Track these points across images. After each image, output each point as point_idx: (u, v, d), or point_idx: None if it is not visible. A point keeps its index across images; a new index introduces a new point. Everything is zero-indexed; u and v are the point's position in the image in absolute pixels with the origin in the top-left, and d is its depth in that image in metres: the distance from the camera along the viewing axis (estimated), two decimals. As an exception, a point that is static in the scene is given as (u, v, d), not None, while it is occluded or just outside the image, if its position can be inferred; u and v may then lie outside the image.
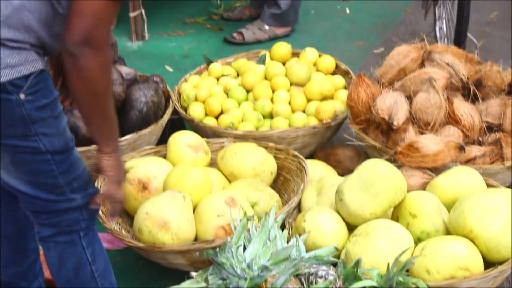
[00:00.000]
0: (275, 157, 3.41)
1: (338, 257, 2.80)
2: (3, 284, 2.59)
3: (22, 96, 2.05)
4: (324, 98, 3.93)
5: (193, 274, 2.48)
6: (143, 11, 5.14)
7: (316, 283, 2.44)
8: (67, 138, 2.22)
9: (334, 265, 2.62)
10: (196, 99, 3.98)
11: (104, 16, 2.05)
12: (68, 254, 2.35)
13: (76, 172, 2.26)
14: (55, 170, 2.20)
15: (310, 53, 4.25)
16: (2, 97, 2.04)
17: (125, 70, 3.77)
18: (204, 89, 3.97)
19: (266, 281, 2.40)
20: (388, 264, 2.55)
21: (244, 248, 2.53)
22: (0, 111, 2.06)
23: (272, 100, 3.91)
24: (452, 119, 3.36)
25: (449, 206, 2.93)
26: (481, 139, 3.39)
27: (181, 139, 3.38)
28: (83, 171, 2.29)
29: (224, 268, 2.44)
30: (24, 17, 2.05)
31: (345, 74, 4.17)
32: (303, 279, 2.48)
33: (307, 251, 2.69)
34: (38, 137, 2.12)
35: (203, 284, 2.44)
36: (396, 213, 2.94)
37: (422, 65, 3.57)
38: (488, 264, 2.73)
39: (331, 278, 2.45)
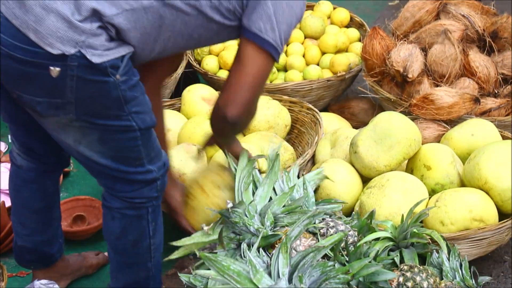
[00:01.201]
0: (289, 110, 3.40)
1: (352, 209, 2.81)
2: (27, 250, 2.63)
3: (118, 77, 2.05)
4: (338, 51, 3.91)
5: (205, 228, 2.47)
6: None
7: (330, 235, 2.44)
8: (153, 114, 2.23)
9: (348, 216, 2.63)
10: (210, 52, 3.97)
11: (263, 82, 2.22)
12: (132, 227, 2.35)
13: (154, 143, 2.27)
14: (140, 144, 2.20)
15: (324, 5, 4.22)
16: (100, 80, 2.03)
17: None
18: (218, 42, 3.96)
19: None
20: (402, 216, 2.55)
21: (253, 193, 2.51)
22: (97, 93, 2.05)
23: (286, 53, 3.89)
24: (467, 71, 3.34)
25: (463, 158, 2.92)
26: (496, 91, 3.37)
27: (195, 92, 3.38)
28: (156, 139, 2.29)
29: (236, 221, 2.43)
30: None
31: (360, 26, 4.14)
32: (316, 231, 2.49)
33: (321, 203, 2.70)
34: (131, 116, 2.12)
35: (215, 237, 2.44)
36: (410, 165, 2.94)
37: (437, 17, 3.55)
38: (503, 215, 2.73)
39: (342, 227, 2.44)
